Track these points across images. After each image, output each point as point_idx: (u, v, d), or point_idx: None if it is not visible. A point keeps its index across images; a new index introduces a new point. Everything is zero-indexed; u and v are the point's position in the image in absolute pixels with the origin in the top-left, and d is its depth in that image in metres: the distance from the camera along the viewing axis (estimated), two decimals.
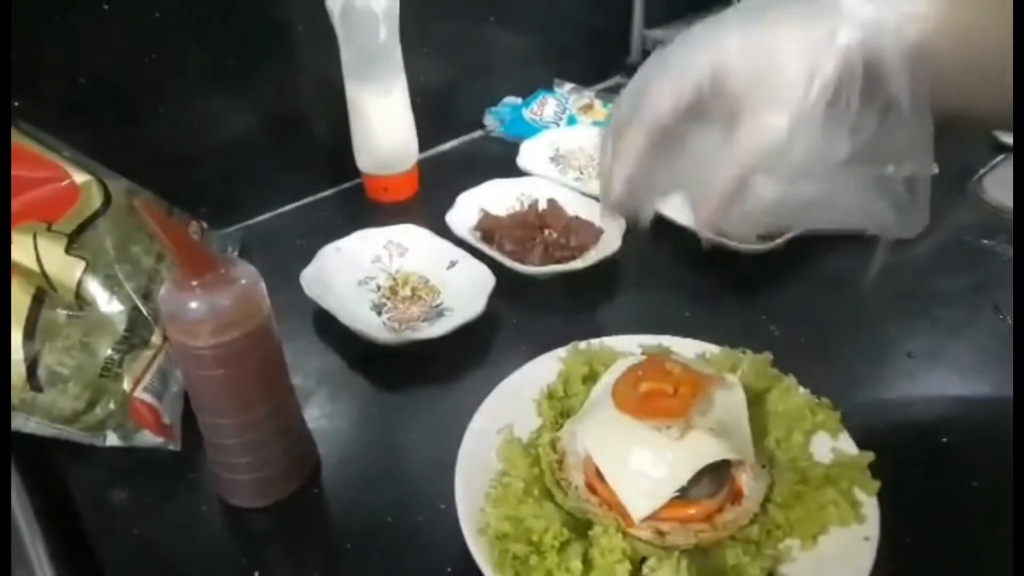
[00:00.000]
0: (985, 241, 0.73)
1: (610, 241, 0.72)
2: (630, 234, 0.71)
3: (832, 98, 0.36)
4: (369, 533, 0.49)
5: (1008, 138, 0.85)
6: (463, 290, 0.67)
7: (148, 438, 0.54)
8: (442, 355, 0.62)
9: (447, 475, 0.48)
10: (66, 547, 0.50)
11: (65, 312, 0.53)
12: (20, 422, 0.53)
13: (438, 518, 0.48)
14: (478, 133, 1.01)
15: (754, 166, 0.38)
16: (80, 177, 0.57)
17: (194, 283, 0.43)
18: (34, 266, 0.53)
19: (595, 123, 0.98)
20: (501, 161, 0.88)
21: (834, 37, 0.36)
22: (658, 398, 0.43)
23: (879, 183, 0.39)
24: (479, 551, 0.42)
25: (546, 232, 0.74)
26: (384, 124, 0.81)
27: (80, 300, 0.54)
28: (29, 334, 0.52)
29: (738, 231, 0.40)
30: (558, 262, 0.71)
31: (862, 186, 0.39)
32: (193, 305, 0.43)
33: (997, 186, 0.80)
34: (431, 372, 0.62)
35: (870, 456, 0.46)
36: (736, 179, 0.38)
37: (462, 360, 0.62)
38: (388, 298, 0.69)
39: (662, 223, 0.69)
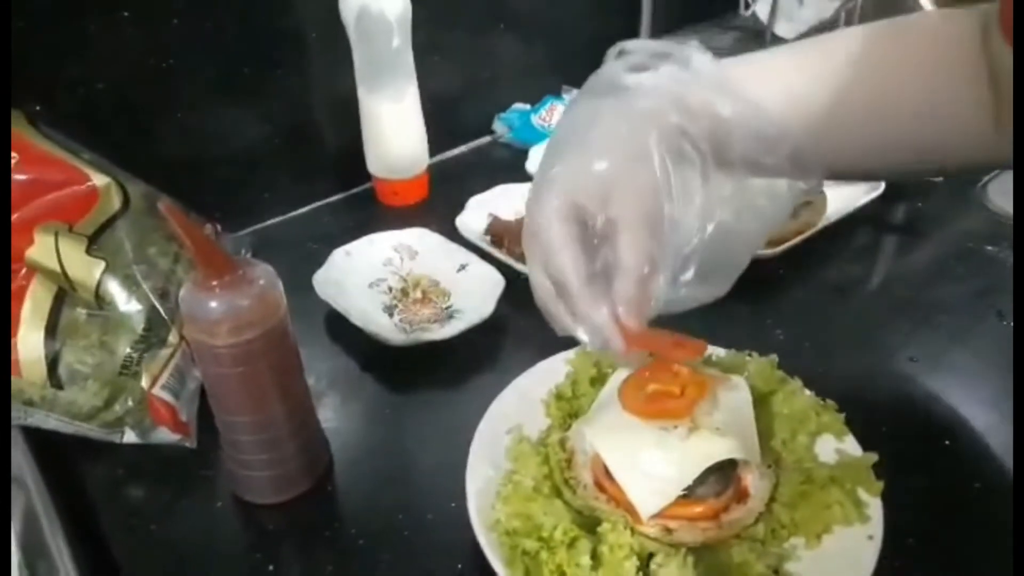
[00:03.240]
0: (989, 248, 0.74)
1: None
2: None
3: (674, 161, 0.39)
4: (381, 530, 0.50)
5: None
6: (473, 293, 0.69)
7: (165, 435, 0.55)
8: (452, 356, 0.63)
9: (457, 474, 0.48)
10: (85, 542, 0.51)
11: (85, 311, 0.55)
12: (40, 419, 0.54)
13: (449, 516, 0.49)
14: (487, 139, 1.02)
15: (643, 272, 0.40)
16: (100, 180, 0.59)
17: (213, 283, 0.44)
18: (55, 266, 0.54)
19: None
20: (510, 166, 0.90)
21: (649, 119, 0.40)
22: (665, 399, 0.44)
23: (769, 173, 0.42)
24: (490, 547, 0.43)
25: None
26: (395, 129, 0.82)
27: (100, 299, 0.55)
28: (51, 332, 0.53)
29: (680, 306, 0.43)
30: None
31: (760, 197, 0.42)
32: (212, 305, 0.45)
33: (1001, 193, 0.81)
34: (441, 373, 0.63)
35: (874, 457, 0.47)
36: (637, 287, 0.40)
37: (472, 361, 0.63)
38: (399, 300, 0.70)
39: None
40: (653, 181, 0.39)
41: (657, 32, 1.14)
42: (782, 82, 0.45)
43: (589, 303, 0.41)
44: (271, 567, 0.48)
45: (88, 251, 0.56)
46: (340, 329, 0.66)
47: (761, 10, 0.98)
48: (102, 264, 0.56)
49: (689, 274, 0.41)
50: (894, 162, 0.48)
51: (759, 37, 1.01)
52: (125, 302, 0.55)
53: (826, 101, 0.44)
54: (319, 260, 0.71)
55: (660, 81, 0.41)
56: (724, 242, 0.41)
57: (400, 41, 0.77)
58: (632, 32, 1.14)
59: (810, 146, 0.40)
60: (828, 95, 0.44)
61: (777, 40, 0.98)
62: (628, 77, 0.42)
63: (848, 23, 0.84)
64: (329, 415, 0.59)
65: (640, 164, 0.39)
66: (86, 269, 0.55)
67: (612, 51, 0.44)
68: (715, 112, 0.40)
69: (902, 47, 0.45)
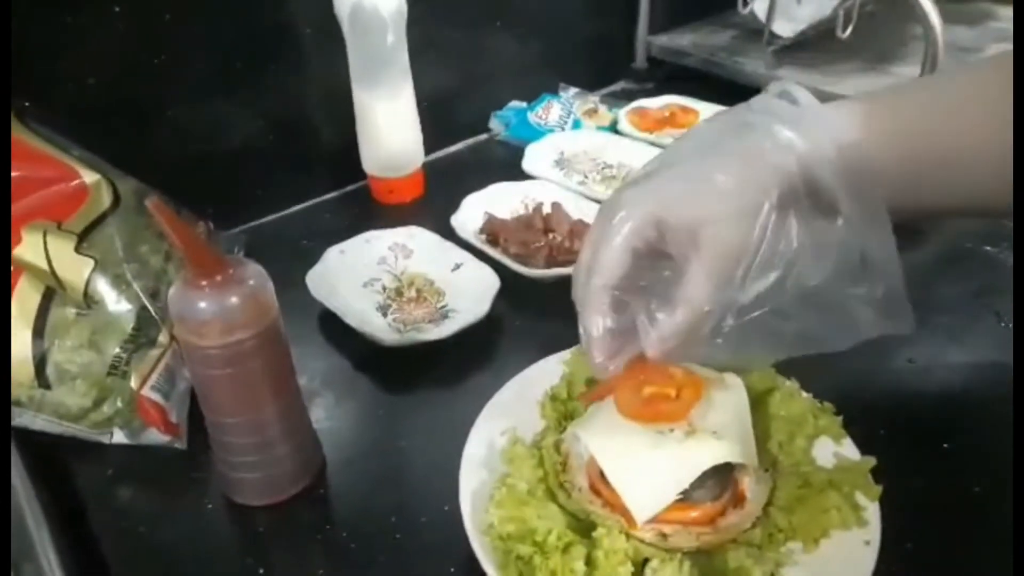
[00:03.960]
0: (987, 248, 0.73)
1: None
2: None
3: (775, 232, 0.38)
4: (374, 533, 0.50)
5: None
6: (468, 292, 0.68)
7: (155, 436, 0.54)
8: (447, 357, 0.63)
9: (451, 476, 0.48)
10: (73, 544, 0.50)
11: (74, 310, 0.54)
12: (28, 419, 0.53)
13: (442, 519, 0.48)
14: (483, 136, 1.02)
15: (702, 311, 0.39)
16: (89, 177, 0.58)
17: (203, 283, 0.44)
18: (44, 265, 0.53)
19: (599, 127, 0.98)
20: (506, 164, 0.89)
21: (776, 178, 0.38)
22: (660, 402, 0.44)
23: (855, 300, 0.41)
24: (483, 552, 0.43)
25: (550, 235, 0.75)
26: (390, 127, 0.82)
27: (89, 299, 0.54)
28: (38, 332, 0.52)
29: (710, 361, 0.43)
30: (562, 265, 0.71)
31: (839, 307, 0.41)
32: (202, 305, 0.44)
33: None
34: (436, 374, 0.62)
35: (872, 461, 0.47)
36: (685, 324, 0.39)
37: (467, 362, 0.63)
38: (393, 299, 0.69)
39: None
40: (749, 238, 0.38)
41: (655, 30, 1.13)
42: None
43: (594, 309, 0.41)
44: (262, 570, 0.48)
45: (77, 249, 0.55)
46: (334, 328, 0.65)
47: (759, 8, 0.98)
48: (91, 263, 0.55)
49: (716, 339, 0.40)
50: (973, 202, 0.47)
51: (757, 35, 1.00)
52: (115, 301, 0.55)
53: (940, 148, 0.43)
54: (313, 258, 0.70)
55: (800, 146, 0.39)
56: (773, 329, 0.40)
57: (395, 38, 0.76)
58: (629, 30, 1.13)
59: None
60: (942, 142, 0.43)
61: (775, 38, 0.98)
62: (776, 126, 0.40)
63: (846, 21, 0.83)
64: (322, 415, 0.58)
65: (747, 215, 0.38)
66: (75, 268, 0.54)
67: (774, 87, 0.43)
68: (832, 208, 0.39)
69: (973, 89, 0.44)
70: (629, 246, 0.40)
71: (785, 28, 0.97)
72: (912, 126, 0.43)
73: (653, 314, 0.40)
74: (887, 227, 0.40)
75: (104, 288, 0.55)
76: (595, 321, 0.41)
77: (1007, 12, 1.15)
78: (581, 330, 0.43)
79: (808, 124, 0.40)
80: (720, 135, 0.42)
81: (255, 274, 0.46)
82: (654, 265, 0.41)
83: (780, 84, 0.43)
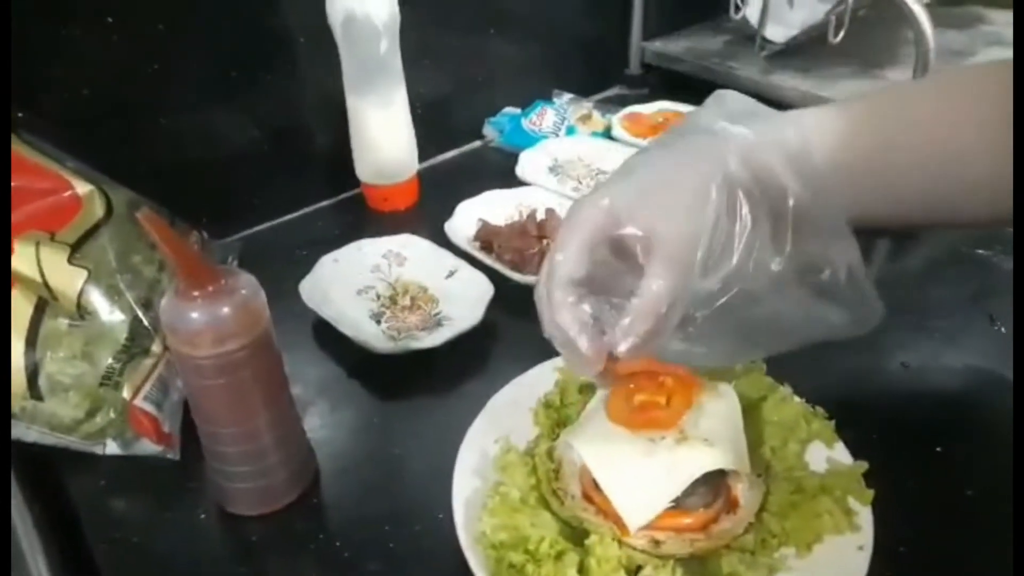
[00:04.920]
0: (980, 251, 0.74)
1: None
2: None
3: (728, 215, 0.39)
4: (367, 542, 0.49)
5: None
6: (462, 299, 0.68)
7: (148, 447, 0.54)
8: (441, 364, 0.63)
9: (445, 484, 0.48)
10: (65, 555, 0.50)
11: (67, 321, 0.54)
12: (21, 431, 0.53)
13: (436, 527, 0.48)
14: (477, 143, 1.02)
15: (663, 299, 0.39)
16: (82, 188, 0.58)
17: (195, 294, 0.44)
18: (36, 276, 0.53)
19: (594, 133, 0.99)
20: (500, 171, 0.89)
21: (721, 152, 0.40)
22: (652, 409, 0.44)
23: (819, 290, 0.41)
24: (476, 560, 0.43)
25: (544, 242, 0.75)
26: (384, 134, 0.82)
27: (81, 309, 0.54)
28: (31, 343, 0.52)
29: (688, 358, 0.43)
30: None
31: (804, 298, 0.41)
32: (194, 316, 0.44)
33: None
34: (430, 381, 0.62)
35: (864, 466, 0.47)
36: (649, 314, 0.39)
37: (461, 369, 0.63)
38: (387, 307, 0.69)
39: None
40: (702, 223, 0.39)
41: (649, 36, 1.14)
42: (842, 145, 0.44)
43: (564, 316, 0.41)
44: None
45: (70, 260, 0.55)
46: (328, 336, 0.65)
47: (751, 13, 0.98)
48: (84, 273, 0.55)
49: (689, 329, 0.40)
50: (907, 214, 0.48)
51: (750, 41, 1.01)
52: (108, 312, 0.55)
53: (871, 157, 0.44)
54: (307, 266, 0.70)
55: (746, 136, 0.41)
56: (743, 318, 0.40)
57: (388, 46, 0.77)
58: (622, 36, 1.14)
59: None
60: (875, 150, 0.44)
61: (768, 44, 0.98)
62: (719, 123, 0.42)
63: (838, 26, 0.83)
64: (316, 424, 0.58)
65: (697, 201, 0.39)
66: (68, 279, 0.54)
67: (712, 97, 0.45)
68: (781, 190, 0.40)
69: (944, 101, 0.46)
70: (587, 245, 0.41)
71: (777, 33, 0.98)
72: (862, 127, 0.44)
73: (618, 308, 0.41)
74: (838, 208, 0.40)
75: (97, 299, 0.55)
76: (564, 316, 0.41)
77: (998, 16, 1.15)
78: (549, 332, 0.43)
79: (748, 118, 0.42)
80: (671, 139, 0.44)
81: (247, 284, 0.46)
82: (616, 273, 0.42)
83: (720, 93, 0.45)
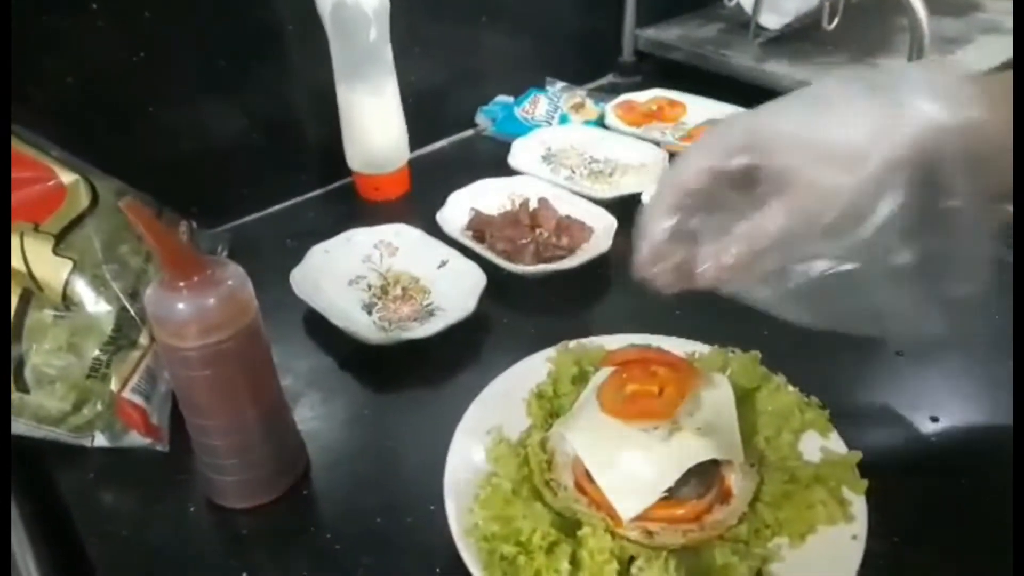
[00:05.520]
0: None
1: (601, 240, 0.72)
2: (620, 234, 0.71)
3: (879, 189, 0.36)
4: (359, 534, 0.49)
5: None
6: (454, 290, 0.67)
7: (136, 439, 0.54)
8: (433, 355, 0.62)
9: (437, 475, 0.48)
10: (54, 549, 0.49)
11: (52, 313, 0.53)
12: None
13: (428, 519, 0.48)
14: (470, 132, 1.01)
15: (769, 239, 0.37)
16: (67, 177, 0.57)
17: (180, 284, 0.43)
18: (21, 267, 0.53)
19: (586, 122, 0.98)
20: (493, 160, 0.88)
21: (898, 125, 0.36)
22: (644, 400, 0.43)
23: (932, 297, 0.39)
24: (468, 552, 0.42)
25: (537, 231, 0.74)
26: (375, 124, 0.81)
27: (67, 301, 0.54)
28: (16, 335, 0.52)
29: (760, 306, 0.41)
30: (549, 261, 0.71)
31: (915, 294, 0.39)
32: (180, 307, 0.43)
33: None
34: (422, 372, 0.62)
35: (858, 456, 0.46)
36: (747, 248, 0.38)
37: (453, 360, 0.62)
38: (379, 298, 0.69)
39: None
40: (850, 190, 0.36)
41: (642, 24, 1.13)
42: None
43: (661, 207, 0.40)
44: (245, 573, 0.47)
45: (55, 250, 0.54)
46: (319, 327, 0.65)
47: (745, 1, 0.97)
48: (69, 264, 0.54)
49: (786, 283, 0.39)
50: None
51: (744, 28, 1.00)
52: (93, 303, 0.54)
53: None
54: (298, 256, 0.70)
55: (932, 119, 0.36)
56: (843, 293, 0.39)
57: (377, 34, 0.76)
58: (616, 24, 1.13)
59: None
60: None
61: (762, 31, 0.97)
62: (908, 95, 0.37)
63: (832, 13, 0.83)
64: (307, 415, 0.58)
65: (856, 168, 0.36)
66: (53, 269, 0.53)
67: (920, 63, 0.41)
68: (946, 187, 0.36)
69: None
70: (711, 162, 0.39)
71: (771, 20, 0.97)
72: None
73: (718, 231, 0.39)
74: (990, 231, 0.38)
75: (83, 289, 0.54)
76: (658, 218, 0.40)
77: (993, 3, 1.15)
78: (639, 231, 0.41)
79: (941, 96, 0.37)
80: (854, 88, 0.38)
81: (233, 274, 0.45)
82: (735, 204, 0.39)
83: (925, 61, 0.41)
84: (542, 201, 0.77)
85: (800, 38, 0.97)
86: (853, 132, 0.37)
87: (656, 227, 0.40)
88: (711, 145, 0.39)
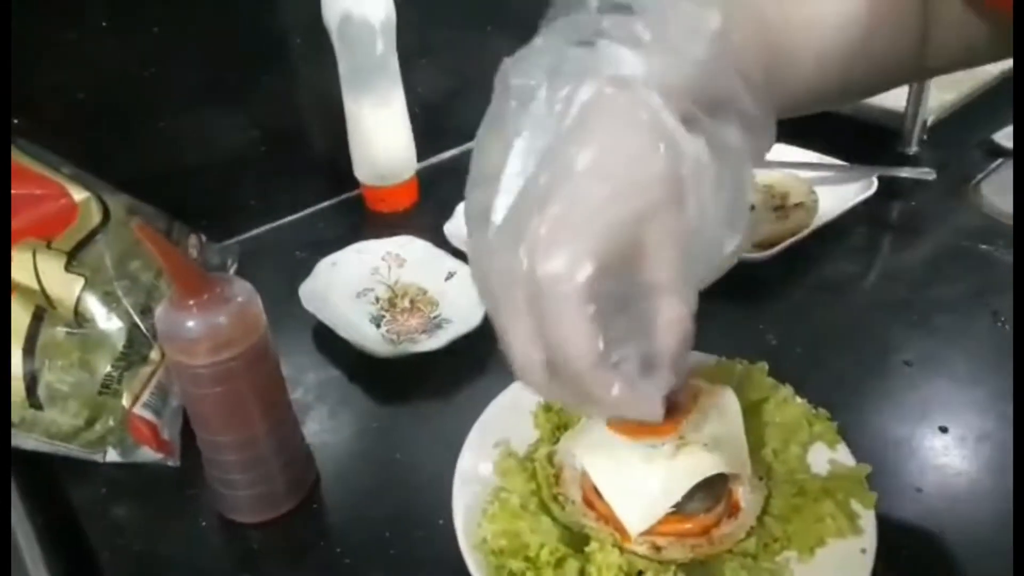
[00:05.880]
0: (983, 247, 0.73)
1: None
2: None
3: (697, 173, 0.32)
4: (368, 548, 0.49)
5: (1003, 142, 0.85)
6: (461, 301, 0.68)
7: (147, 454, 0.54)
8: (441, 367, 0.62)
9: (446, 489, 0.48)
10: (66, 564, 0.50)
11: (64, 329, 0.54)
12: (20, 439, 0.53)
13: (437, 533, 0.48)
14: None
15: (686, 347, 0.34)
16: (79, 194, 0.58)
17: (191, 302, 0.44)
18: (33, 284, 0.53)
19: None
20: None
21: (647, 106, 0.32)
22: None
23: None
24: (476, 567, 0.42)
25: None
26: (382, 135, 0.81)
27: (79, 317, 0.54)
28: (29, 352, 0.52)
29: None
30: None
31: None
32: (190, 324, 0.44)
33: (995, 192, 0.80)
34: (430, 385, 0.62)
35: (867, 468, 0.46)
36: (678, 369, 0.34)
37: (461, 372, 0.63)
38: (387, 310, 0.69)
39: None
40: (684, 201, 0.32)
41: None
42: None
43: (605, 384, 0.33)
44: None
45: (67, 267, 0.55)
46: (327, 340, 0.65)
47: None
48: (82, 280, 0.55)
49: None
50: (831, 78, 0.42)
51: None
52: (105, 319, 0.55)
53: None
54: (307, 269, 0.70)
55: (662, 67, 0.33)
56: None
57: (384, 46, 0.76)
58: None
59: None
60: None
61: None
62: (607, 47, 0.33)
63: None
64: (316, 429, 0.58)
65: (666, 181, 0.31)
66: (65, 286, 0.54)
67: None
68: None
69: None
70: (588, 309, 0.31)
71: None
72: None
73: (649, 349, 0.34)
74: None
75: (95, 305, 0.55)
76: (611, 385, 0.33)
77: None
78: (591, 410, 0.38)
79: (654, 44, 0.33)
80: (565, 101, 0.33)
81: (242, 291, 0.46)
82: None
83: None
84: None
85: None
86: (629, 159, 0.32)
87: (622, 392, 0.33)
88: (571, 296, 0.31)
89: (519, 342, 0.33)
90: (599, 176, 0.32)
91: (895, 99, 0.85)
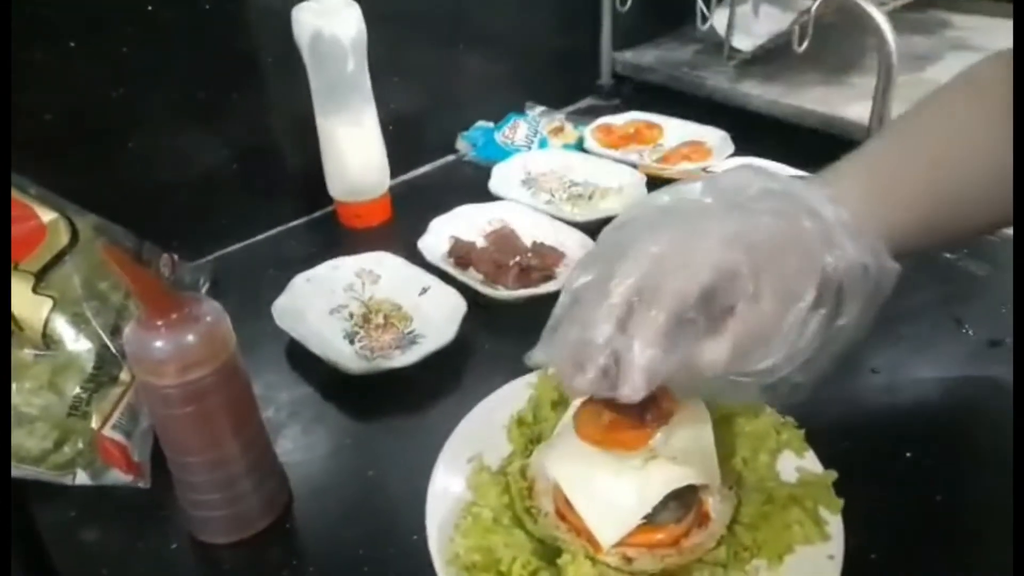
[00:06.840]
0: (948, 256, 0.75)
1: None
2: None
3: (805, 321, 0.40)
4: (341, 566, 0.49)
5: None
6: (435, 317, 0.68)
7: (117, 476, 0.54)
8: (415, 383, 0.63)
9: (420, 505, 0.48)
10: None
11: (32, 352, 0.53)
12: None
13: (411, 550, 0.48)
14: (450, 157, 1.02)
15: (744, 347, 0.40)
16: (47, 215, 0.57)
17: (159, 323, 0.43)
18: None
19: (565, 146, 0.99)
20: (473, 185, 0.89)
21: (823, 252, 0.40)
22: (621, 428, 0.44)
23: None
24: None
25: (518, 256, 0.75)
26: (355, 152, 0.82)
27: (47, 339, 0.54)
28: None
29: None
30: (531, 285, 0.71)
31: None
32: (158, 344, 0.43)
33: None
34: (404, 401, 0.62)
35: (834, 475, 0.47)
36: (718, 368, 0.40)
37: (435, 388, 0.63)
38: (361, 326, 0.69)
39: None
40: (782, 324, 0.40)
41: (619, 47, 1.14)
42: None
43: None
44: None
45: (35, 289, 0.54)
46: (301, 358, 0.65)
47: (718, 24, 0.99)
48: (50, 302, 0.54)
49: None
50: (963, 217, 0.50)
51: (719, 50, 1.02)
52: (74, 340, 0.54)
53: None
54: (281, 286, 0.70)
55: (847, 225, 0.42)
56: None
57: (355, 64, 0.77)
58: (593, 48, 1.14)
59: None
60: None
61: (735, 53, 0.99)
62: (825, 204, 0.42)
63: (802, 36, 0.84)
64: (288, 447, 0.58)
65: (790, 300, 0.40)
66: (33, 308, 0.53)
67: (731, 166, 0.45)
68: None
69: (965, 101, 0.49)
70: (693, 288, 0.38)
71: (745, 42, 0.99)
72: (919, 188, 0.47)
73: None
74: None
75: (63, 327, 0.54)
76: (601, 321, 0.39)
77: (962, 20, 1.17)
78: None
79: (850, 229, 0.42)
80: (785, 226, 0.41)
81: (211, 310, 0.46)
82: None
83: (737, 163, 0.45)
84: (523, 225, 0.78)
85: (772, 59, 0.99)
86: (792, 258, 0.40)
87: (598, 331, 0.39)
88: (691, 278, 0.38)
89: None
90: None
91: (859, 111, 0.87)
